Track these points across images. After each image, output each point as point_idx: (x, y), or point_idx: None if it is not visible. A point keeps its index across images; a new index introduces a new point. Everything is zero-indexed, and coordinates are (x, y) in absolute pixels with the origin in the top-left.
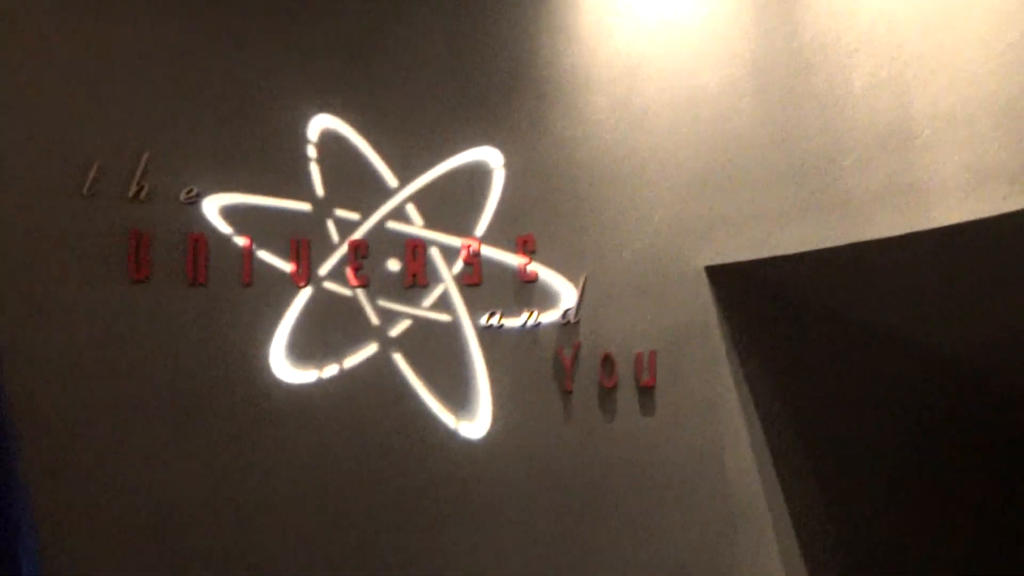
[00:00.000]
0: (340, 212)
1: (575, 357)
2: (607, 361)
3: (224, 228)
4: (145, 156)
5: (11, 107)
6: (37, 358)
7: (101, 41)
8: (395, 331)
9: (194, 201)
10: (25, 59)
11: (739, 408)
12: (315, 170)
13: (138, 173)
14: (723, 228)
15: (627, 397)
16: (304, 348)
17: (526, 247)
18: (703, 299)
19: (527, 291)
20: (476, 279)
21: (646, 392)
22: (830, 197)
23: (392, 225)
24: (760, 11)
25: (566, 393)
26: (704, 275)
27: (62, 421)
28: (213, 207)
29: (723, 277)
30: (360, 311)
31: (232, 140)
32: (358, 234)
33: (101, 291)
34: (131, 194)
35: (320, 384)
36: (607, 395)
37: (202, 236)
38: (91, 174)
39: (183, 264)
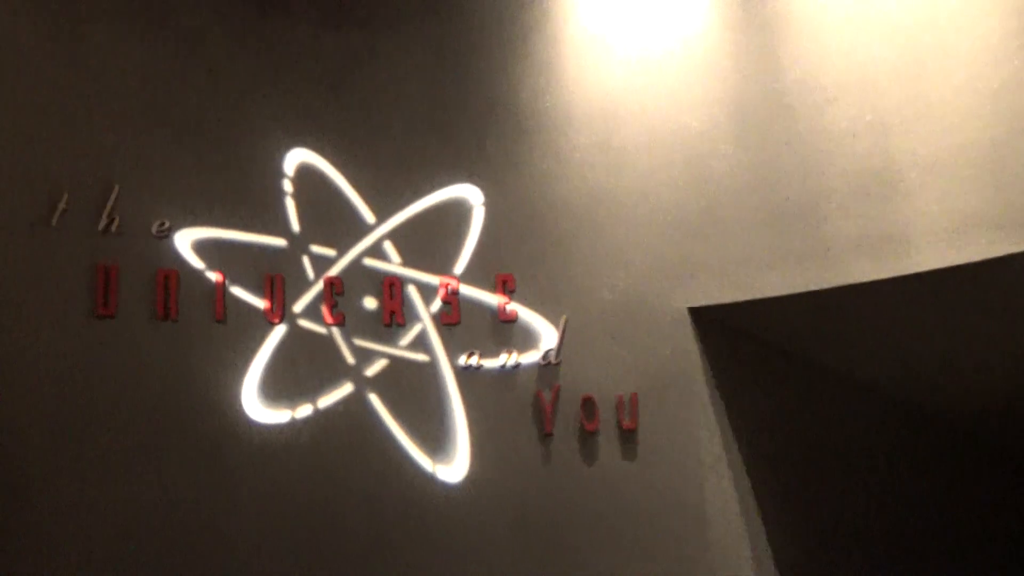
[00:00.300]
0: (316, 248)
1: (555, 399)
2: (588, 404)
3: (196, 263)
4: (116, 188)
5: None
6: (2, 389)
7: (73, 69)
8: (371, 371)
9: (166, 235)
10: None
11: (721, 452)
12: (291, 205)
13: (108, 205)
14: (705, 270)
15: (608, 441)
16: (277, 387)
17: (506, 286)
18: (685, 341)
19: (506, 331)
20: (454, 318)
21: (628, 436)
22: (811, 241)
23: (369, 262)
24: (741, 54)
25: (546, 436)
26: (687, 316)
27: (21, 463)
28: (185, 241)
29: (706, 319)
30: (335, 350)
31: (206, 173)
32: (334, 271)
33: (66, 326)
34: (101, 227)
35: (293, 425)
36: (588, 439)
37: (173, 271)
38: (60, 205)
39: (153, 299)
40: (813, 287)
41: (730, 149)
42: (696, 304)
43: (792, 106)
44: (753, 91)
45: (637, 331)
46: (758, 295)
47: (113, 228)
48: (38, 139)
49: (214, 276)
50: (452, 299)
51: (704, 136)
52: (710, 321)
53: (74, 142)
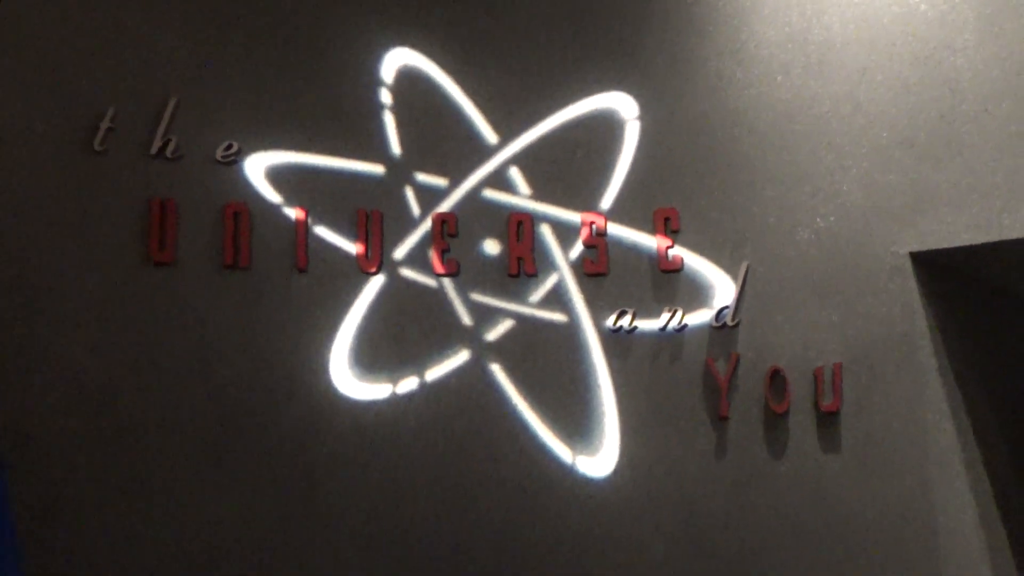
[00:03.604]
0: (422, 177)
1: (733, 372)
2: (776, 378)
3: (272, 196)
4: (172, 102)
5: (3, 43)
6: (30, 365)
7: None
8: (493, 334)
9: (234, 160)
10: None
11: (954, 442)
12: (390, 121)
13: (163, 124)
14: (937, 203)
15: (802, 426)
16: (375, 354)
17: (668, 226)
18: (906, 296)
19: (669, 283)
20: (601, 267)
21: (828, 420)
22: None
23: (490, 194)
24: None
25: (720, 420)
26: (908, 265)
27: (61, 447)
28: (257, 169)
29: (934, 268)
30: (448, 307)
31: (282, 83)
32: (445, 206)
33: (113, 276)
34: (154, 151)
35: (395, 402)
36: (775, 423)
37: (244, 206)
38: (104, 124)
39: (219, 242)
40: None
41: (973, 40)
42: (923, 248)
43: None
44: None
45: (843, 283)
46: (1008, 235)
47: (169, 152)
48: (74, 43)
49: (294, 213)
50: (598, 242)
51: (939, 23)
52: (941, 269)
53: (119, 47)
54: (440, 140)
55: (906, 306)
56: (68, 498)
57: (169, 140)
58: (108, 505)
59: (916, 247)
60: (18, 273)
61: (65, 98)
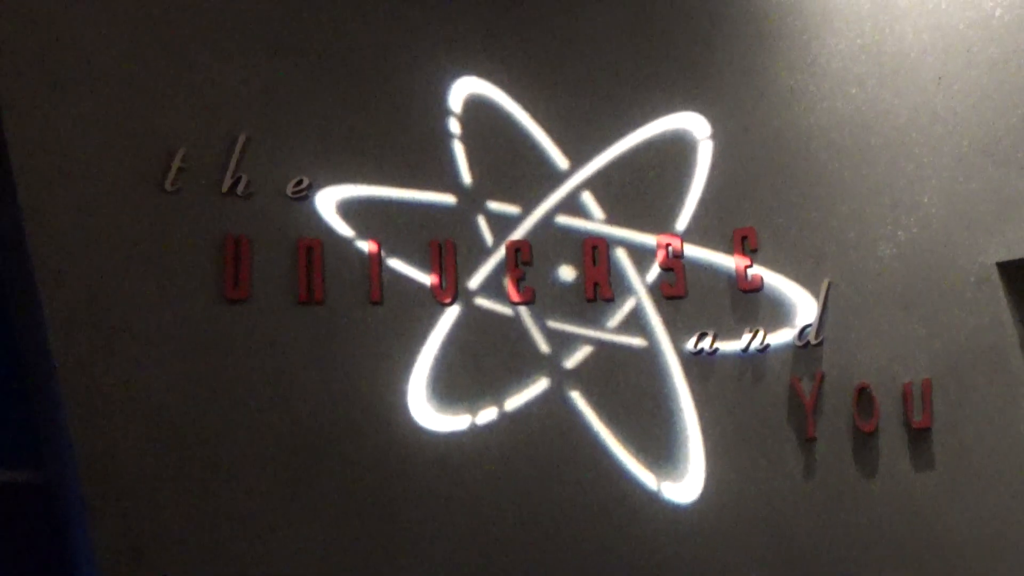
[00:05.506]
0: (494, 205)
1: (818, 391)
2: (863, 396)
3: (344, 230)
4: (242, 139)
5: (75, 85)
6: (110, 404)
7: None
8: (572, 361)
9: (305, 196)
10: (90, 27)
11: None
12: (459, 150)
13: (233, 161)
14: (1019, 212)
15: (893, 445)
16: (452, 385)
17: (746, 245)
18: (994, 307)
19: (749, 304)
20: (679, 289)
21: (920, 437)
22: None
23: (564, 220)
24: None
25: (807, 441)
26: (995, 275)
27: (144, 486)
28: (329, 203)
29: (1022, 277)
30: (525, 335)
31: (350, 116)
32: (518, 233)
33: (189, 313)
34: (225, 188)
35: (475, 432)
36: (865, 443)
37: (316, 241)
38: (175, 164)
39: (293, 277)
40: None
41: None
42: (1010, 257)
43: None
44: None
45: (928, 296)
46: None
47: (240, 189)
48: (143, 85)
49: (367, 246)
50: (675, 264)
51: (1016, 26)
52: None
53: (188, 86)
54: (510, 167)
55: (994, 317)
56: (152, 537)
57: (240, 177)
58: (192, 542)
59: (1002, 256)
60: (95, 312)
61: (136, 138)
